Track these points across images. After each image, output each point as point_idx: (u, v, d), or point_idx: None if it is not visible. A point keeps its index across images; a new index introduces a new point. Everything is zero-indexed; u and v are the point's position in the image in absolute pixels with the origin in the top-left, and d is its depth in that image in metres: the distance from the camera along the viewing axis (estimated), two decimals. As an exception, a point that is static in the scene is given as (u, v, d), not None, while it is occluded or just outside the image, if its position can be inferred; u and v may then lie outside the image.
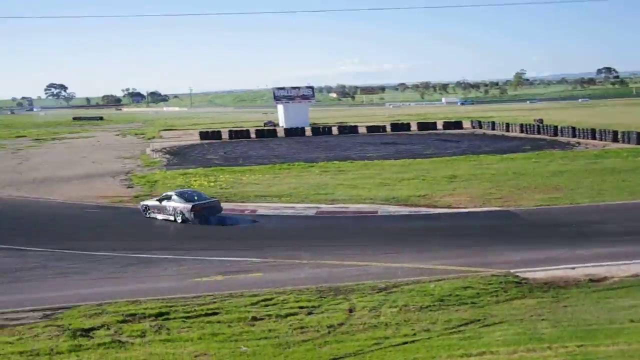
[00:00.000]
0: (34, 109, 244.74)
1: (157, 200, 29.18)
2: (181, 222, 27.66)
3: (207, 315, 15.20)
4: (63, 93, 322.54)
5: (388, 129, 77.79)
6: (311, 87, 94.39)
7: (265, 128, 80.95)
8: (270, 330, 14.15)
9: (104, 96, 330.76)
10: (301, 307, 15.55)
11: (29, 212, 32.17)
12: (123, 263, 21.23)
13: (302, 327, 14.27)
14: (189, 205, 27.65)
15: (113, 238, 25.48)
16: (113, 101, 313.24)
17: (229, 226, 27.43)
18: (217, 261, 20.95)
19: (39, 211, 32.33)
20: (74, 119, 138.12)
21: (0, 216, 30.87)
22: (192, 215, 27.48)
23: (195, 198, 28.46)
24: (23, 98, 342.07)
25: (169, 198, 28.52)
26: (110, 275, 19.79)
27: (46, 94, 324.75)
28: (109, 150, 62.13)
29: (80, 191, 37.23)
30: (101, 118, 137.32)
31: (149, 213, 29.19)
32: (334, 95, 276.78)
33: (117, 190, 37.05)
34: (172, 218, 28.14)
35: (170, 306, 15.84)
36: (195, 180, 38.40)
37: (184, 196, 28.48)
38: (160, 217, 28.64)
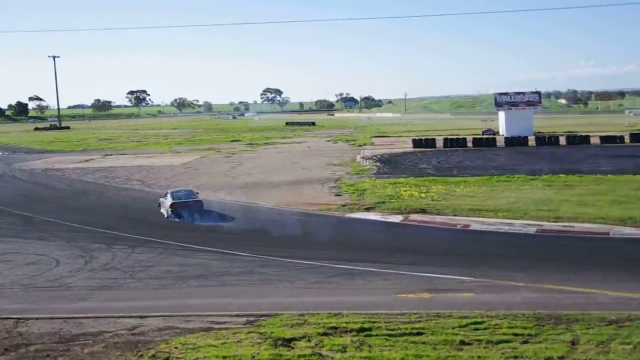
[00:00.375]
0: (246, 114, 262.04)
1: (162, 197, 35.36)
2: (166, 217, 33.30)
3: (411, 334, 15.10)
4: (278, 98, 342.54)
5: (627, 139, 72.56)
6: (537, 93, 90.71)
7: (484, 136, 79.28)
8: (479, 357, 13.70)
9: (317, 101, 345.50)
10: (515, 334, 14.91)
11: (239, 216, 34.20)
12: (327, 273, 21.88)
13: (515, 357, 13.65)
14: (169, 202, 33.35)
15: (318, 247, 26.38)
16: (326, 106, 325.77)
17: (435, 241, 27.25)
18: (424, 277, 20.84)
19: (247, 216, 34.36)
20: (287, 124, 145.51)
21: (214, 219, 33.23)
22: (169, 212, 33.08)
23: (181, 197, 33.92)
24: (240, 103, 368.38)
25: (166, 195, 34.74)
26: (314, 285, 20.48)
27: (262, 98, 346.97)
28: (319, 157, 64.60)
29: (288, 197, 39.09)
30: (313, 123, 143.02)
31: (160, 208, 34.95)
32: (563, 101, 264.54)
33: (325, 198, 38.37)
34: (164, 213, 33.89)
35: (373, 322, 15.97)
36: (405, 191, 38.60)
37: (173, 194, 34.19)
38: (162, 211, 34.29)
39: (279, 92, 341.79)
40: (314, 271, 22.15)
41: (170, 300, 19.25)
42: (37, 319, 17.01)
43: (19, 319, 17.02)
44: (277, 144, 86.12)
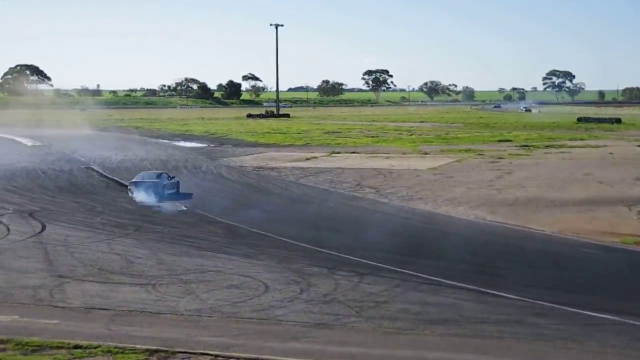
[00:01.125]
0: (502, 106, 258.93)
1: None
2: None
3: None
4: (567, 84, 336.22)
5: None
6: None
7: None
8: None
9: (625, 89, 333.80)
10: None
11: (503, 243, 34.17)
12: (634, 334, 20.89)
13: None
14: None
15: (619, 295, 25.25)
16: (639, 97, 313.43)
17: None
18: None
19: (515, 243, 34.05)
20: (579, 120, 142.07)
21: (470, 246, 33.07)
22: (128, 189, 46.94)
23: (141, 177, 47.73)
24: (513, 89, 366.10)
25: None
26: (612, 350, 19.65)
27: (544, 84, 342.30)
28: (626, 168, 62.04)
29: (576, 222, 37.89)
30: (618, 120, 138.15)
31: None
32: None
33: (632, 227, 36.83)
34: None
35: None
36: None
37: (140, 174, 48.92)
38: None
39: (569, 76, 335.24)
40: (612, 329, 21.25)
41: (406, 350, 19.38)
42: (238, 358, 17.80)
43: (217, 356, 17.93)
44: (563, 147, 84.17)
